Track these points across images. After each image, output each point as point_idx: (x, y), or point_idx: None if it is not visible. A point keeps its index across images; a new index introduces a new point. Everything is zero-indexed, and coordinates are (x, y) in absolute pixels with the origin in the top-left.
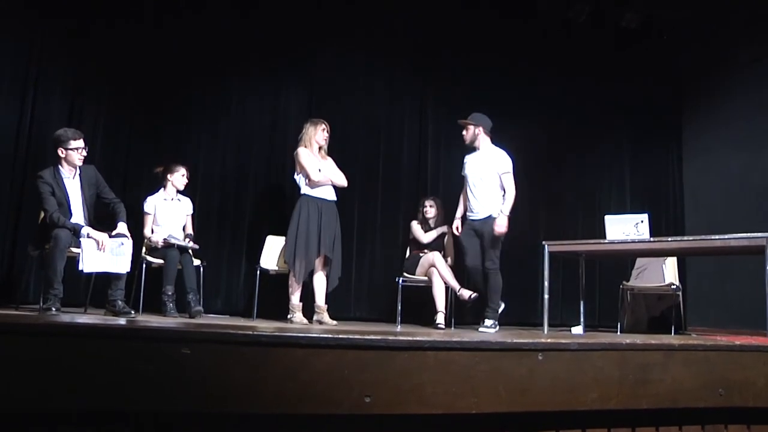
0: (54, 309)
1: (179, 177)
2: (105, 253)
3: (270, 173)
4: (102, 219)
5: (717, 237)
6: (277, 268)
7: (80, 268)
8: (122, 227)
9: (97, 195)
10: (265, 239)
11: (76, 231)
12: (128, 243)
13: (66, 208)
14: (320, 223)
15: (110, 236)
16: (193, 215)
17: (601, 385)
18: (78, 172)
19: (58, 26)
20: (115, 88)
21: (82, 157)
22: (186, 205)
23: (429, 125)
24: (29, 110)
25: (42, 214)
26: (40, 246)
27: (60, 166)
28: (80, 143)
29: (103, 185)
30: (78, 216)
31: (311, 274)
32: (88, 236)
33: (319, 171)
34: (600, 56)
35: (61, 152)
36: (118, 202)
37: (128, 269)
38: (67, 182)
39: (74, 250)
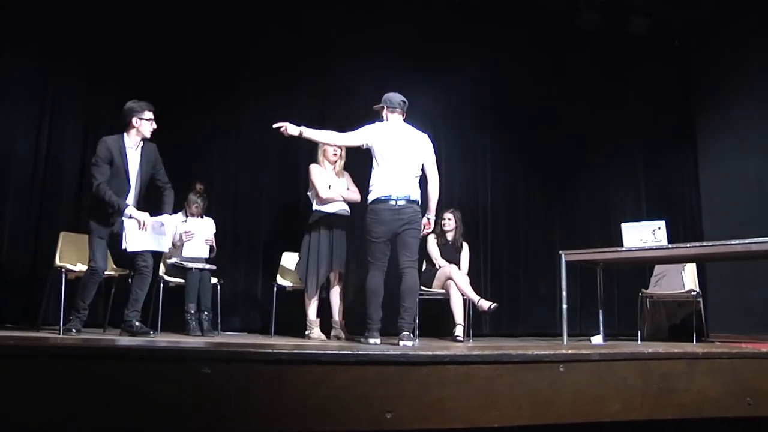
0: (74, 330)
1: (193, 208)
2: (147, 233)
3: (284, 190)
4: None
5: (737, 242)
6: (293, 285)
7: (123, 247)
8: (166, 218)
9: (151, 176)
10: (281, 256)
11: (119, 208)
12: (168, 221)
13: (124, 177)
14: (332, 239)
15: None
16: (215, 234)
17: (625, 396)
18: (141, 145)
19: (71, 49)
20: None
21: (152, 129)
22: (208, 226)
23: (441, 137)
24: (46, 131)
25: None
26: (96, 216)
27: (126, 135)
28: (152, 115)
29: (160, 166)
30: (133, 186)
31: (328, 290)
32: (131, 216)
33: (329, 188)
34: (612, 63)
35: (135, 122)
36: (170, 189)
37: (169, 248)
38: (129, 152)
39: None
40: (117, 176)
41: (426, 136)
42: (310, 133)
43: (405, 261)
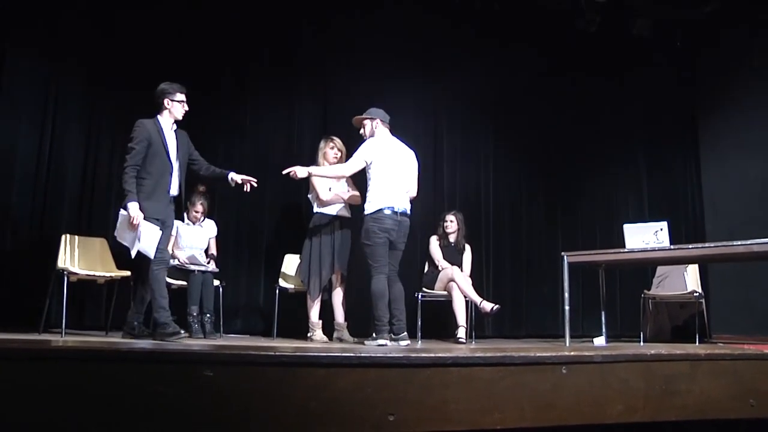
0: (178, 332)
1: (198, 206)
2: (131, 231)
3: (286, 192)
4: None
5: (740, 243)
6: (295, 287)
7: (115, 234)
8: (234, 174)
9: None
10: (283, 258)
11: (126, 197)
12: (153, 232)
13: (165, 157)
14: (333, 241)
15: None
16: (217, 237)
17: (627, 398)
18: (175, 127)
19: (72, 49)
20: (131, 112)
21: (184, 111)
22: (209, 228)
23: (444, 140)
24: (48, 132)
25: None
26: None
27: (160, 117)
28: (184, 97)
29: (193, 149)
30: (175, 168)
31: (330, 292)
32: (126, 209)
33: (329, 190)
34: (614, 65)
35: (167, 103)
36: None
37: (149, 253)
38: (166, 132)
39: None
40: (158, 156)
41: (413, 152)
42: (318, 171)
43: (390, 268)
